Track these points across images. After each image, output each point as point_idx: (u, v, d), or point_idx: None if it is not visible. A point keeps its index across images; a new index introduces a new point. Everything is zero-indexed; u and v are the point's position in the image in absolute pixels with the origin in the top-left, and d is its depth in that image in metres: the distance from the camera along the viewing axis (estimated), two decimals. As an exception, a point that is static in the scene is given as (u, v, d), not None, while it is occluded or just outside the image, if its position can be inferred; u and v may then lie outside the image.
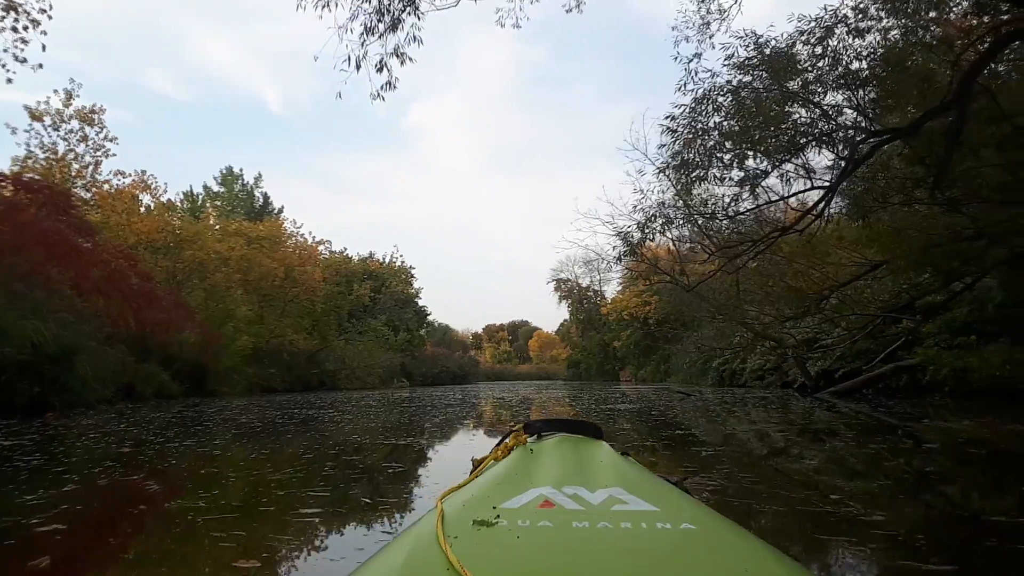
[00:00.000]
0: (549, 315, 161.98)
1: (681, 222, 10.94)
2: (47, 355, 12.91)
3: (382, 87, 8.86)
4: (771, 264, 12.88)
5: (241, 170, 49.45)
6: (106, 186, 22.47)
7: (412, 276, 57.77)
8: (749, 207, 10.70)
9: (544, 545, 0.97)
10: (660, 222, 10.91)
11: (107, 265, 18.32)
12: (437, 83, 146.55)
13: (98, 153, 21.15)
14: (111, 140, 21.36)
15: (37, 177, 16.37)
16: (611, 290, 63.13)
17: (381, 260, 56.40)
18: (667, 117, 10.36)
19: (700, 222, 10.77)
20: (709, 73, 10.37)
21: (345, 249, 52.45)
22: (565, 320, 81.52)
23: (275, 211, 48.13)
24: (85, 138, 20.67)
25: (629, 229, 11.05)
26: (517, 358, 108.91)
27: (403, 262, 57.52)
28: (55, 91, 20.44)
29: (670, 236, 11.53)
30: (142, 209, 26.46)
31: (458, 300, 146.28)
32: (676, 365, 37.44)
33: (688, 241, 11.65)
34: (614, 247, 11.54)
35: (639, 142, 17.07)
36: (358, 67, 8.74)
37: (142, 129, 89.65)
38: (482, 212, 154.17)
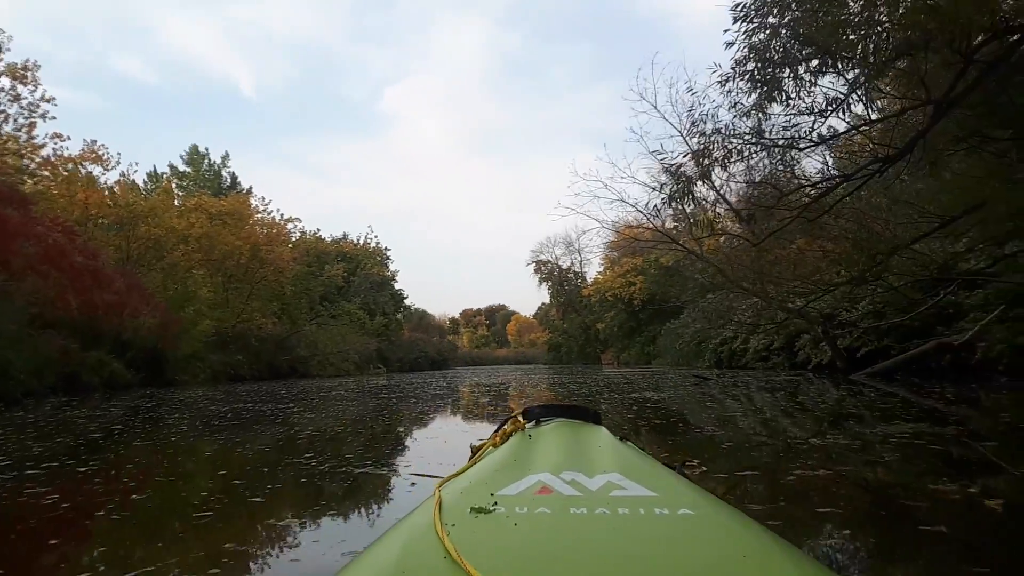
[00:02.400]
0: (527, 299, 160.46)
1: (752, 152, 8.61)
2: (-46, 341, 10.86)
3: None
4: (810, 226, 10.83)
5: (207, 149, 47.06)
6: (42, 152, 19.96)
7: (388, 258, 55.61)
8: (834, 133, 8.42)
9: (542, 532, 0.96)
10: (724, 151, 8.55)
11: (42, 240, 16.15)
12: (412, 67, 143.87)
13: (33, 115, 18.73)
14: (47, 100, 18.98)
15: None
16: (592, 271, 61.73)
17: (355, 241, 54.16)
18: (736, 6, 8.11)
19: (774, 153, 8.44)
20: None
21: (318, 230, 50.19)
22: (544, 303, 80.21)
23: (243, 191, 45.71)
24: (17, 97, 18.27)
25: (683, 162, 8.73)
26: (495, 342, 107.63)
27: (378, 243, 55.34)
28: (-21, 46, 17.98)
29: (726, 174, 9.14)
30: (105, 185, 24.13)
31: (434, 285, 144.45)
32: (665, 346, 35.87)
33: (752, 181, 9.25)
34: (661, 186, 9.25)
35: (647, 92, 15.13)
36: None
37: (110, 113, 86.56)
38: (457, 197, 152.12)
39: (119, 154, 24.23)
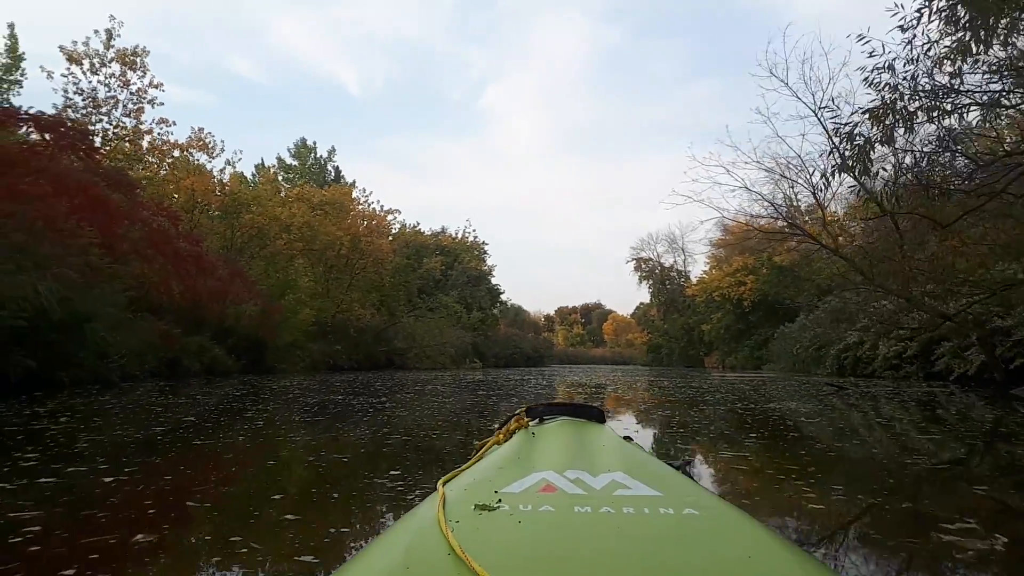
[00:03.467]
0: (624, 298, 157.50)
1: (946, 109, 6.78)
2: (52, 322, 10.62)
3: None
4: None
5: (315, 143, 47.71)
6: (148, 137, 20.06)
7: (485, 252, 54.98)
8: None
9: (546, 530, 0.95)
10: (904, 112, 6.72)
11: (147, 224, 16.11)
12: (513, 65, 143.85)
13: (142, 101, 18.83)
14: (156, 87, 19.10)
15: (49, 114, 13.98)
16: (696, 270, 59.24)
17: (453, 235, 53.85)
18: None
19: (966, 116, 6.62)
20: None
21: (417, 223, 50.19)
22: (642, 303, 78.01)
23: (347, 184, 46.22)
24: (127, 83, 18.44)
25: (859, 121, 6.90)
26: (591, 341, 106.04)
27: (476, 237, 54.81)
28: (95, 31, 18.22)
29: (907, 137, 7.26)
30: (211, 173, 24.36)
31: (530, 281, 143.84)
32: (778, 351, 33.45)
33: (944, 147, 7.38)
34: (831, 151, 7.47)
35: (778, 68, 13.52)
36: None
37: (223, 111, 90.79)
38: (554, 194, 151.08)
39: (223, 141, 24.39)
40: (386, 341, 33.10)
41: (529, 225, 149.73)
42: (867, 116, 6.63)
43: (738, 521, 1.02)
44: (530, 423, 1.77)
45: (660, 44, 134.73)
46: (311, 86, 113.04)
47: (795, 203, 18.05)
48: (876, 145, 6.51)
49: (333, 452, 4.28)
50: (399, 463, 3.68)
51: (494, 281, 56.31)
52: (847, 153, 6.81)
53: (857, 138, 6.78)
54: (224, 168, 24.72)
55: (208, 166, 24.32)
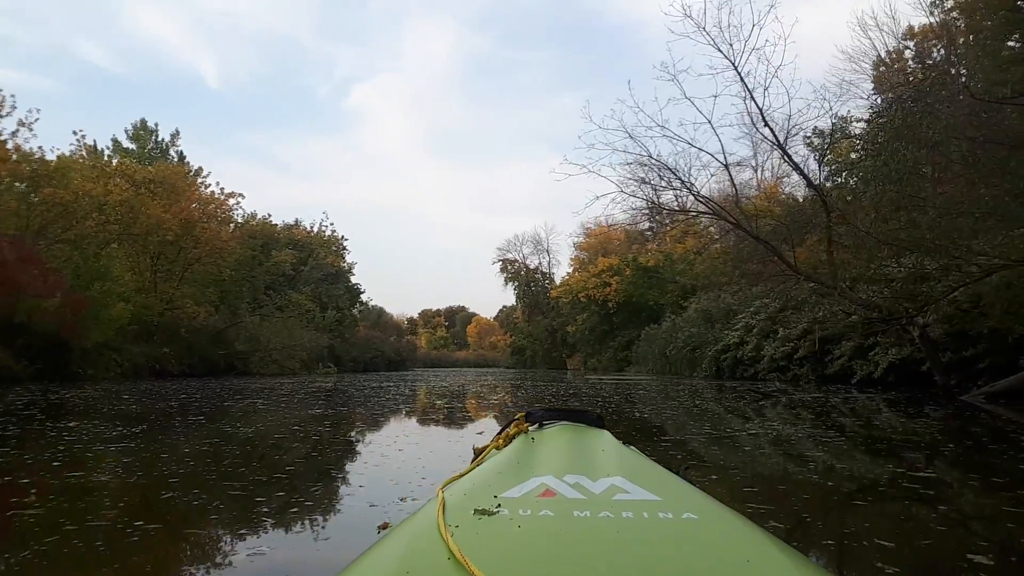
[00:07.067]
0: (488, 301, 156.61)
1: None
2: None
3: None
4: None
5: (156, 124, 42.32)
6: None
7: (344, 248, 51.38)
8: None
9: (545, 534, 0.95)
10: None
11: None
12: (380, 65, 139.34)
13: None
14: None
15: None
16: (560, 273, 59.18)
17: (308, 228, 49.91)
18: None
19: None
20: None
21: (269, 215, 45.90)
22: (505, 305, 77.61)
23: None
24: None
25: None
26: (455, 344, 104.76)
27: (334, 231, 51.11)
28: None
29: None
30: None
31: (393, 284, 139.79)
32: (643, 352, 32.83)
33: None
34: None
35: (692, 9, 11.98)
36: None
37: (70, 99, 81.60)
38: (421, 197, 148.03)
39: (13, 97, 19.91)
40: (226, 343, 29.35)
41: (395, 226, 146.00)
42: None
43: (737, 525, 1.01)
44: (529, 428, 1.74)
45: (526, 55, 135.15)
46: (169, 77, 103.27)
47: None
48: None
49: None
50: None
51: (354, 280, 52.93)
52: None
53: None
54: (17, 131, 20.25)
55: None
